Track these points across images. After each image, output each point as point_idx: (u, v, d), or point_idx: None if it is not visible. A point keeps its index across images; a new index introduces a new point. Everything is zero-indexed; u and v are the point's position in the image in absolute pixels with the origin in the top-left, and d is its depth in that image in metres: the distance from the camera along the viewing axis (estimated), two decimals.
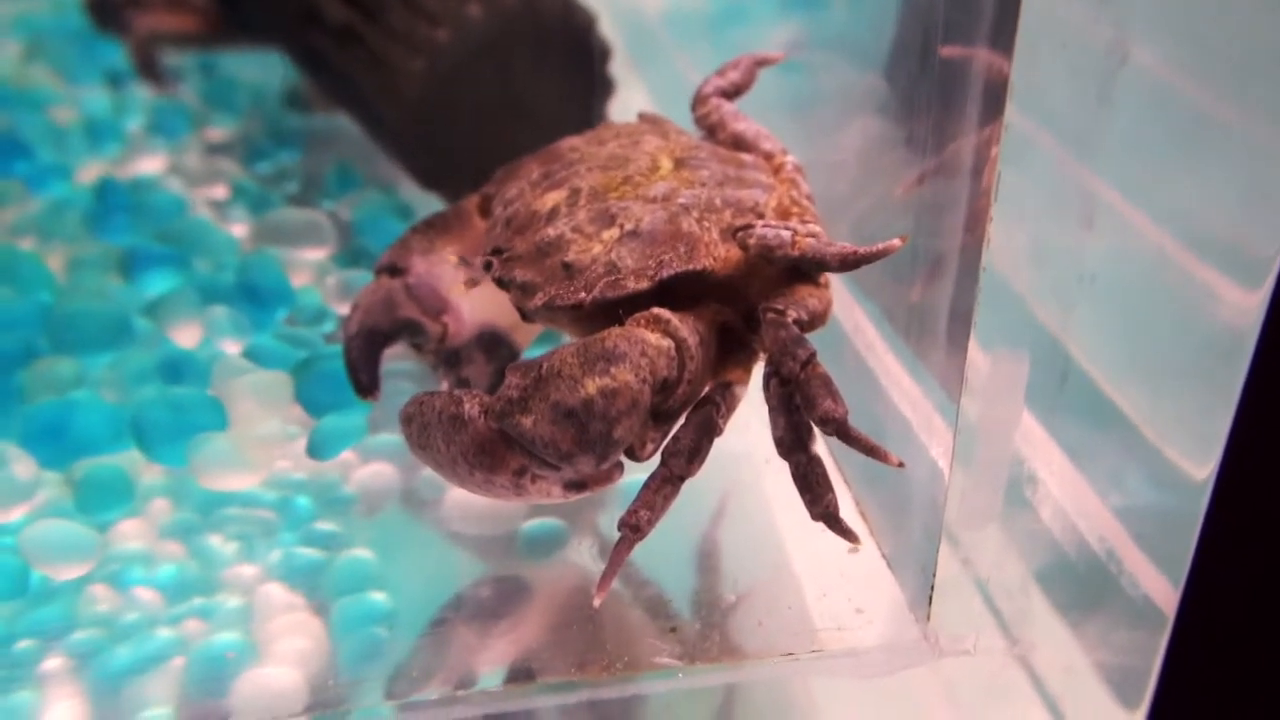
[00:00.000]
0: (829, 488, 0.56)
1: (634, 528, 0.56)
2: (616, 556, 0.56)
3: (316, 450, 0.71)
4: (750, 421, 0.75)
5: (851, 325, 0.72)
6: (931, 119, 0.60)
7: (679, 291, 0.58)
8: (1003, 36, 0.51)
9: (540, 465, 0.54)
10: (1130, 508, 0.57)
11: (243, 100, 1.12)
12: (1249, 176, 0.51)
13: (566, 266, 0.59)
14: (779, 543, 0.68)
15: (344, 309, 0.82)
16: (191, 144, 1.04)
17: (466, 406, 0.55)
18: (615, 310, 0.57)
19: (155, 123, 1.08)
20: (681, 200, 0.60)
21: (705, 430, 0.57)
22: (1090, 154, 0.53)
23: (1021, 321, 0.56)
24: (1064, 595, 0.61)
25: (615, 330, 0.54)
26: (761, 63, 0.73)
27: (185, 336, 0.78)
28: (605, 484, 0.56)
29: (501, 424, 0.53)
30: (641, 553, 0.56)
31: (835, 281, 0.73)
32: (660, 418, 0.56)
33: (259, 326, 0.80)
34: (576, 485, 0.55)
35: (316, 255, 0.87)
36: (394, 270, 0.70)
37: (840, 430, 0.54)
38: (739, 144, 0.68)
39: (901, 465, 0.54)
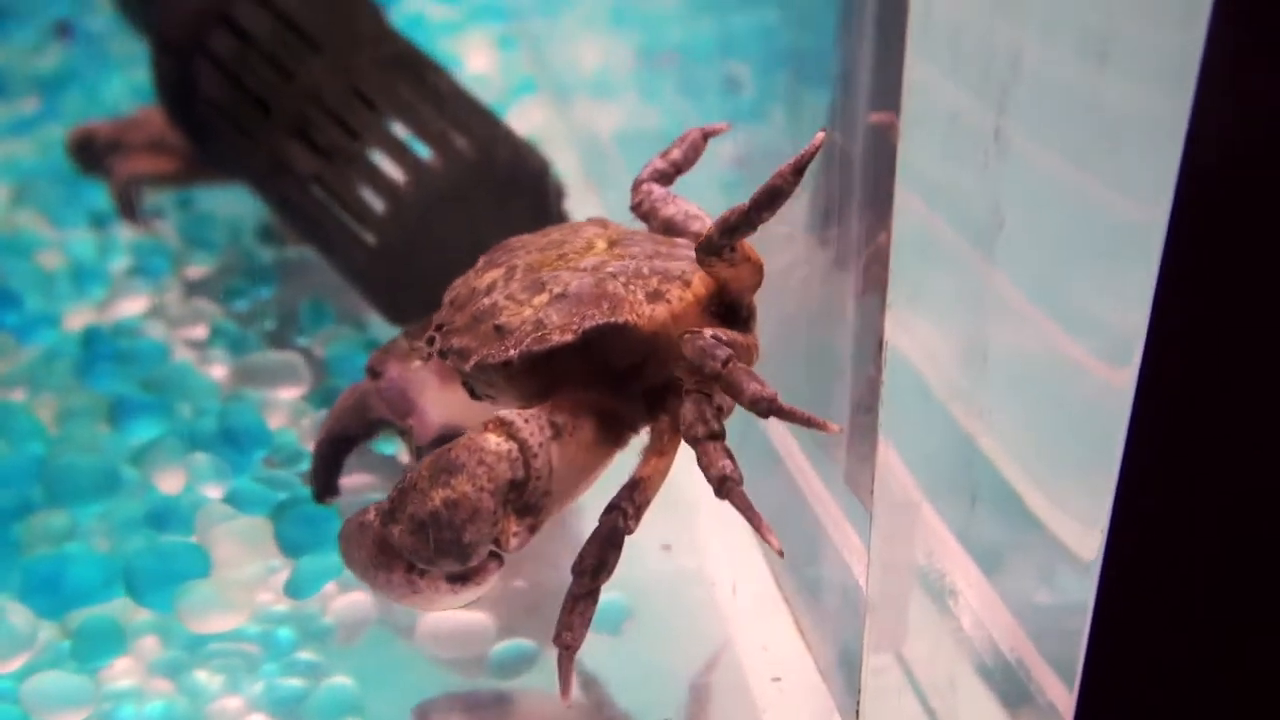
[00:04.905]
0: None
1: (565, 645, 0.61)
2: (562, 672, 0.62)
3: (295, 590, 0.76)
4: (706, 542, 0.81)
5: (784, 449, 0.77)
6: (840, 233, 0.66)
7: (606, 348, 0.62)
8: (883, 176, 0.56)
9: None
10: (1033, 618, 0.63)
11: (219, 236, 1.18)
12: (1115, 253, 0.54)
13: (498, 329, 0.62)
14: (733, 662, 0.72)
15: None
16: (172, 284, 1.10)
17: (370, 514, 0.59)
18: (546, 368, 0.61)
19: (137, 263, 1.13)
20: (610, 269, 0.63)
21: (610, 544, 0.60)
22: (988, 256, 0.56)
23: (934, 443, 0.61)
24: (990, 698, 0.66)
25: (462, 440, 0.58)
26: (709, 134, 0.74)
27: (169, 483, 0.83)
28: (485, 576, 0.59)
29: (383, 532, 0.58)
30: (596, 675, 0.60)
31: None
32: (525, 511, 0.59)
33: (238, 469, 0.85)
34: (459, 578, 0.59)
35: (291, 395, 0.93)
36: (373, 374, 0.76)
37: (773, 408, 0.57)
38: (670, 230, 0.70)
39: (840, 430, 0.56)
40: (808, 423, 0.56)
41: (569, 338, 0.60)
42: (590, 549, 0.60)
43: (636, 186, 0.72)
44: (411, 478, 0.58)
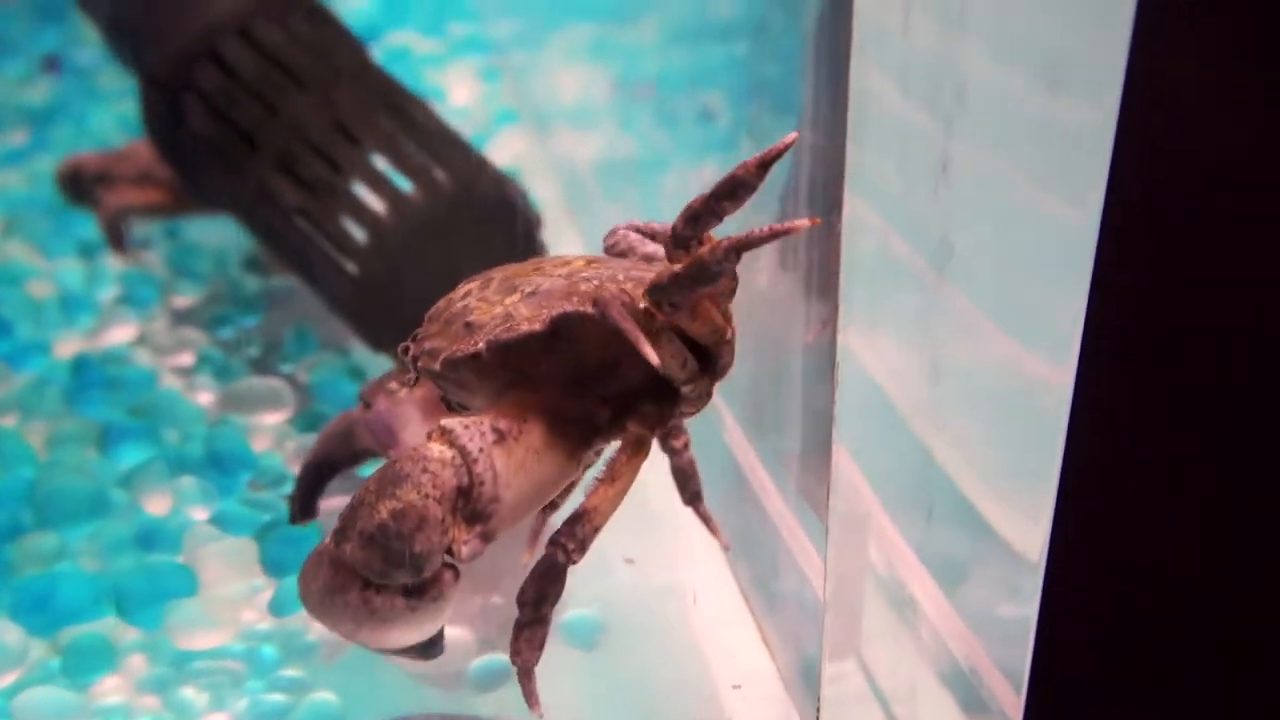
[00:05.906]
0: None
1: (520, 666, 0.61)
2: (525, 688, 0.62)
3: (279, 609, 0.78)
4: (670, 554, 0.83)
5: (747, 467, 0.80)
6: (805, 270, 0.69)
7: (576, 340, 0.61)
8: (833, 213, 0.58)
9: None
10: (987, 627, 0.65)
11: (206, 266, 1.20)
12: (1054, 251, 0.55)
13: (469, 325, 0.62)
14: (707, 677, 0.74)
15: None
16: (159, 313, 1.12)
17: (326, 541, 0.59)
18: (516, 363, 0.60)
19: (126, 292, 1.15)
20: (584, 275, 0.63)
21: (549, 579, 0.60)
22: (939, 274, 0.57)
23: (889, 457, 0.64)
24: (951, 706, 0.69)
25: (408, 451, 0.59)
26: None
27: (156, 505, 0.86)
28: (440, 587, 0.58)
29: (337, 552, 0.58)
30: (574, 691, 0.62)
31: (734, 427, 0.82)
32: (474, 518, 0.58)
33: (224, 492, 0.87)
34: (415, 592, 0.58)
35: (276, 420, 0.95)
36: (364, 404, 0.78)
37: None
38: (651, 262, 0.69)
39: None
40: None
41: (538, 327, 0.59)
42: (530, 582, 0.60)
43: (613, 231, 0.72)
44: (360, 494, 0.57)
